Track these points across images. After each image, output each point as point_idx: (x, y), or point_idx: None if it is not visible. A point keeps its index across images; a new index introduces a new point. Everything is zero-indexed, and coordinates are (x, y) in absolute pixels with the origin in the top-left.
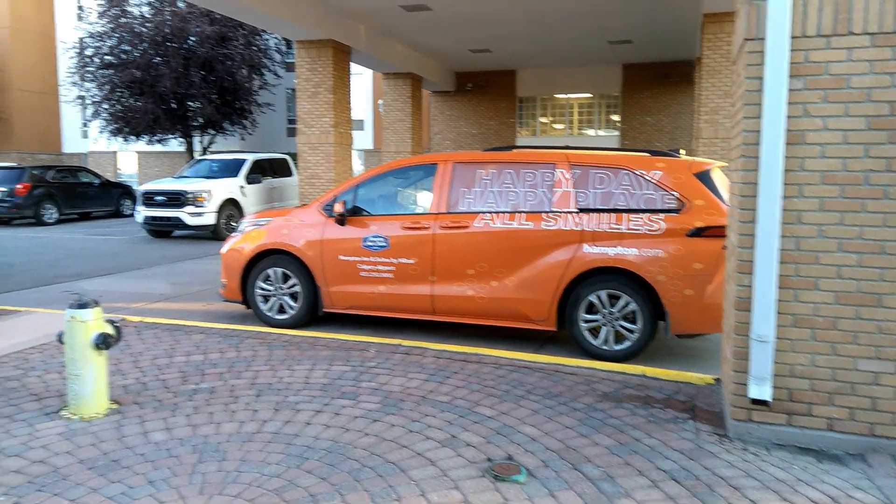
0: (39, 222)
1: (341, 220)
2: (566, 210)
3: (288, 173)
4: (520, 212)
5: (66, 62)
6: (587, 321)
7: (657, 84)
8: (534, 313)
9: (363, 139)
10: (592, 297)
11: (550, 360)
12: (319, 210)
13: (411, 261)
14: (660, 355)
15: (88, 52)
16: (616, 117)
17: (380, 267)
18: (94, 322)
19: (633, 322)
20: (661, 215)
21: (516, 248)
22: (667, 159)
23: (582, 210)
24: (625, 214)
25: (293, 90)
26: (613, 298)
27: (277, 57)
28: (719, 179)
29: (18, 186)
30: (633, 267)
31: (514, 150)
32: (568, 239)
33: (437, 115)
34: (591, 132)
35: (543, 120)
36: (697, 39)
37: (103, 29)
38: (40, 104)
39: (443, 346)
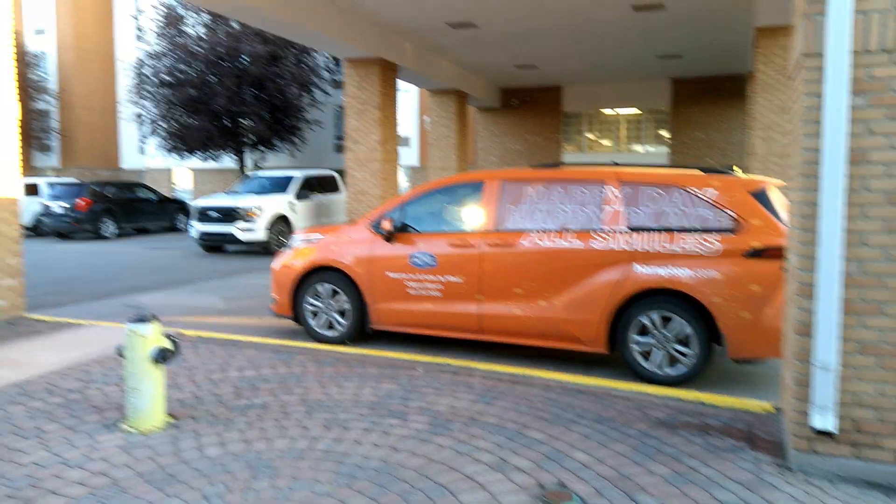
0: (99, 236)
1: (389, 237)
2: (616, 228)
3: (336, 189)
4: (568, 230)
5: (125, 81)
6: (639, 343)
7: (707, 99)
8: (583, 334)
9: (409, 155)
10: (644, 319)
11: (601, 384)
12: (368, 227)
13: (458, 279)
14: (716, 380)
15: (146, 71)
16: (665, 133)
17: (427, 285)
18: (152, 336)
19: (687, 345)
20: (716, 235)
21: (565, 267)
22: (721, 177)
23: (633, 229)
24: (678, 234)
25: (341, 107)
26: (666, 320)
27: (326, 75)
28: (777, 198)
29: (79, 202)
30: (686, 288)
31: (563, 168)
32: (618, 258)
33: (482, 132)
34: (639, 148)
35: (590, 136)
36: (750, 53)
37: (161, 49)
38: (100, 122)
39: (491, 367)
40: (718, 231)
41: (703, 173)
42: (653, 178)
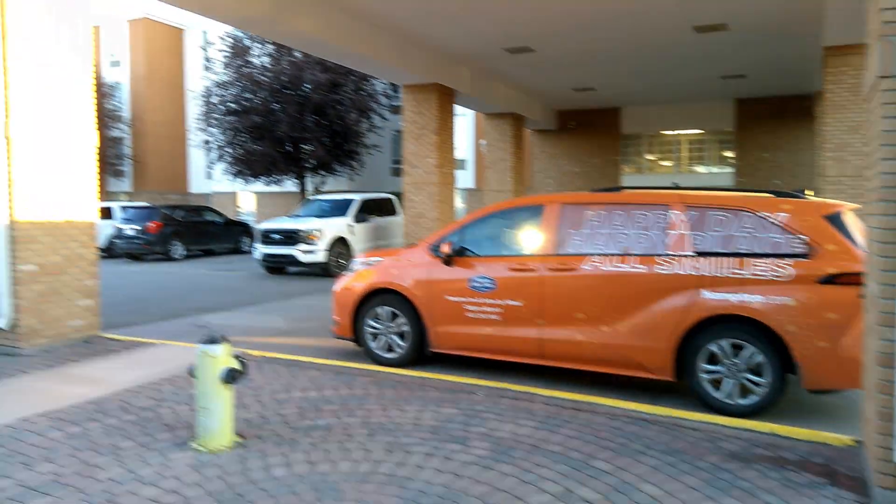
0: (168, 258)
1: (448, 260)
2: (682, 253)
3: (393, 212)
4: (631, 255)
5: (193, 109)
6: (708, 372)
7: (774, 119)
8: (649, 362)
9: (465, 178)
10: (713, 347)
11: (669, 413)
12: (427, 250)
13: (518, 303)
14: (791, 412)
15: (214, 99)
16: (729, 154)
17: (486, 308)
18: (222, 357)
19: (760, 375)
20: (789, 260)
21: (628, 292)
22: (793, 200)
23: (700, 253)
24: (748, 259)
25: (398, 132)
26: (737, 348)
27: (384, 100)
28: (852, 223)
29: (150, 225)
30: (758, 315)
31: (624, 191)
32: (685, 284)
33: (538, 154)
34: (701, 169)
35: (650, 157)
36: (818, 72)
37: (227, 78)
38: (170, 148)
39: (552, 393)
40: (791, 256)
41: (773, 196)
42: (720, 201)
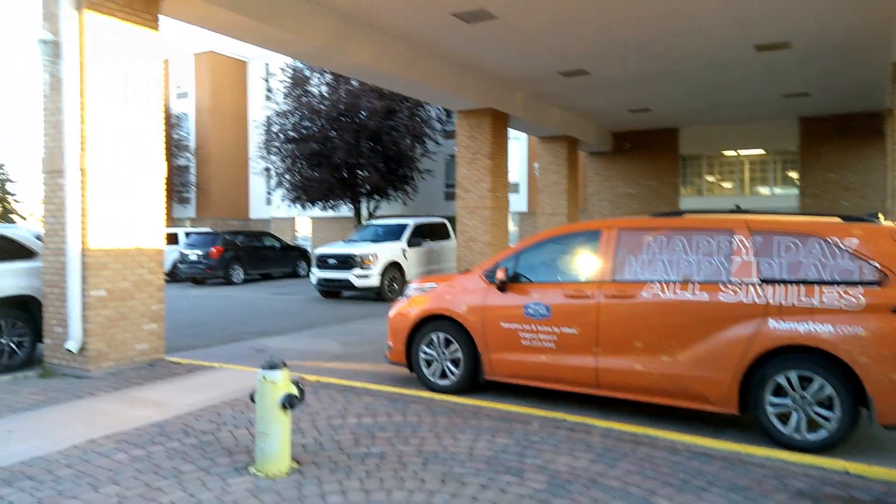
0: (228, 282)
1: (503, 286)
2: (747, 280)
3: (446, 236)
4: (693, 281)
5: (255, 138)
6: (774, 405)
7: (840, 137)
8: (711, 393)
9: (518, 201)
10: (780, 379)
11: (733, 448)
12: (481, 276)
13: (574, 330)
14: (863, 448)
15: (274, 128)
16: (794, 174)
17: (541, 336)
18: (282, 383)
19: (830, 408)
20: (860, 288)
21: (690, 320)
22: (864, 225)
23: (765, 281)
24: (816, 286)
25: (452, 156)
26: (805, 381)
27: (438, 126)
28: None
29: (212, 250)
30: (828, 346)
31: (686, 216)
32: (750, 312)
33: (592, 176)
34: (764, 191)
35: (710, 178)
36: (887, 89)
37: (287, 108)
38: (232, 176)
39: (610, 424)
40: (862, 284)
41: (843, 221)
42: (787, 226)
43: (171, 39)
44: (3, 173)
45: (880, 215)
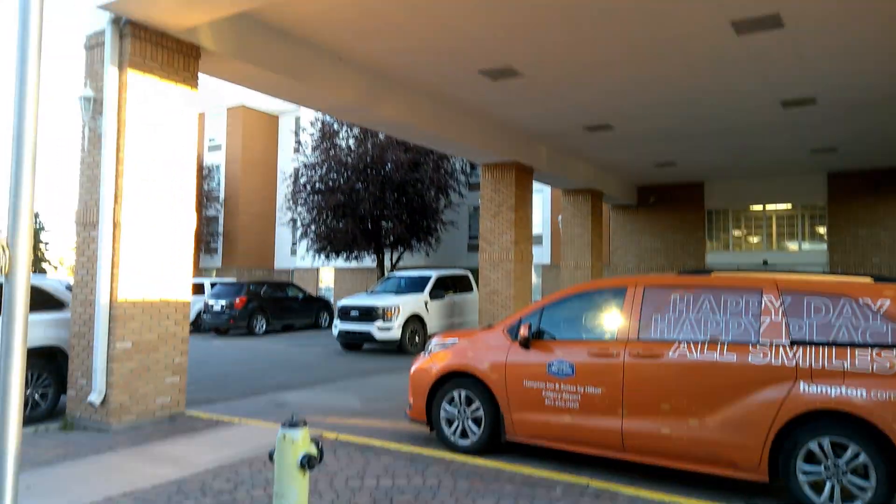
0: (251, 332)
1: (526, 343)
2: (777, 342)
3: (469, 289)
4: (721, 342)
5: (283, 189)
6: (806, 473)
7: (870, 193)
8: (741, 459)
9: (541, 254)
10: (812, 445)
11: None
12: (504, 332)
13: (598, 390)
14: None
15: (302, 180)
16: (822, 229)
17: (565, 395)
18: (301, 442)
19: (865, 477)
20: (893, 351)
21: (718, 382)
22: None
23: (795, 342)
24: (848, 349)
25: (476, 208)
26: (839, 448)
27: (462, 178)
28: None
29: (237, 300)
30: (861, 411)
31: (714, 274)
32: (780, 375)
33: (617, 229)
34: (792, 246)
35: (736, 233)
36: None
37: (315, 160)
38: (259, 226)
39: (636, 491)
40: (894, 347)
41: (874, 281)
42: (817, 286)
43: (206, 93)
44: (38, 222)
45: None
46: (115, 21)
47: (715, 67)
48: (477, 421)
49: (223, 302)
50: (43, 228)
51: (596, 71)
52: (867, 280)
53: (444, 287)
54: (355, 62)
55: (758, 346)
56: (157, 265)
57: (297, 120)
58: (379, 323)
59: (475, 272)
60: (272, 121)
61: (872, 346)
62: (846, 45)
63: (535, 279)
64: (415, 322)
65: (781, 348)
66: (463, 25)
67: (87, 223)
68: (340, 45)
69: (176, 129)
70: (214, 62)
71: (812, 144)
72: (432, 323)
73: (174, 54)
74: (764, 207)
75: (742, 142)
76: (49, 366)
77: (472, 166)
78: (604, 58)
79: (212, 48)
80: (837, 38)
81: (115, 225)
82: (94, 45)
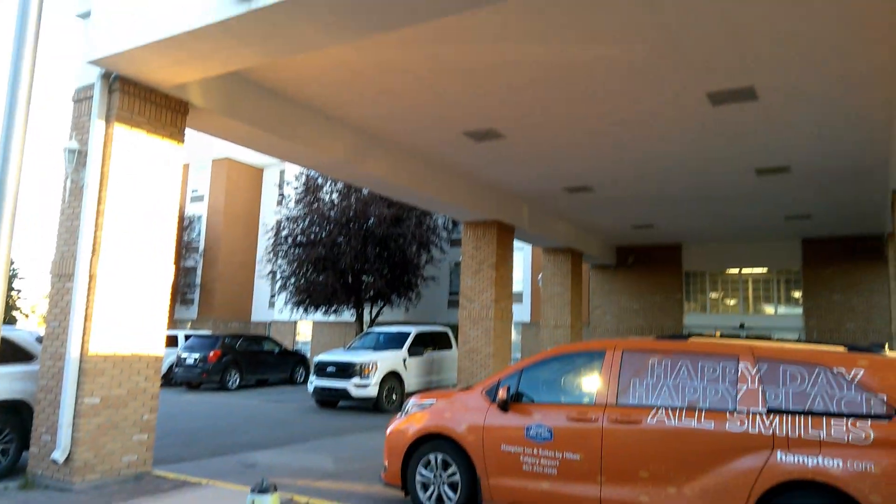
0: (223, 387)
1: (504, 406)
2: (754, 410)
3: (448, 346)
4: (699, 409)
5: (264, 241)
6: None
7: (844, 259)
8: None
9: (521, 311)
10: None
11: None
12: (483, 394)
13: (577, 456)
14: None
15: (284, 232)
16: (797, 294)
17: (543, 461)
18: None
19: None
20: (868, 422)
21: (696, 450)
22: (869, 356)
23: (772, 411)
24: (823, 418)
25: (457, 264)
26: None
27: (444, 234)
28: None
29: (210, 354)
30: (838, 482)
31: (691, 340)
32: (757, 444)
33: (597, 289)
34: (769, 309)
35: (714, 295)
36: (888, 214)
37: (298, 213)
38: (238, 278)
39: None
40: (871, 417)
41: (847, 351)
42: (792, 354)
43: (192, 144)
44: (13, 269)
45: (886, 346)
46: (106, 76)
47: (691, 136)
48: (453, 486)
49: (196, 355)
50: (17, 275)
51: (576, 136)
52: (841, 349)
53: (423, 344)
54: (342, 121)
55: (735, 414)
56: (131, 318)
57: (282, 173)
58: (356, 380)
59: (455, 328)
60: (257, 173)
61: (848, 415)
62: (818, 116)
63: (514, 336)
64: (392, 379)
65: (758, 416)
66: (448, 89)
67: (62, 274)
68: (327, 104)
69: (159, 183)
70: (202, 118)
71: (787, 211)
72: (410, 380)
73: (162, 109)
74: (740, 271)
75: (718, 207)
76: (13, 420)
77: (455, 223)
78: (584, 124)
79: (200, 104)
80: (810, 110)
81: (91, 277)
82: (82, 97)
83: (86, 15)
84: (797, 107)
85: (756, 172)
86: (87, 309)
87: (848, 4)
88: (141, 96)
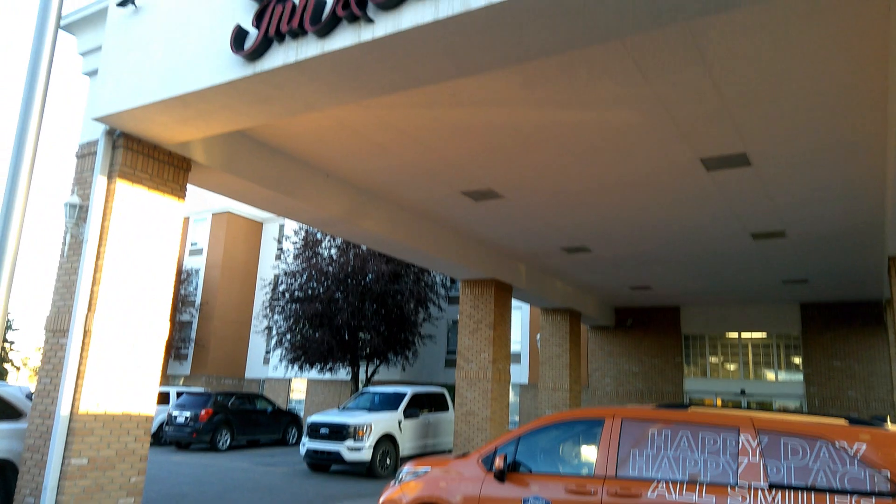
0: (213, 448)
1: (501, 476)
2: (755, 485)
3: (444, 408)
4: (700, 482)
5: (261, 296)
6: None
7: (843, 325)
8: None
9: (519, 372)
10: None
11: None
12: (479, 462)
13: None
14: None
15: (281, 287)
16: (797, 360)
17: None
18: None
19: None
20: (872, 499)
21: None
22: (871, 430)
23: (774, 486)
24: (826, 495)
25: (454, 322)
26: None
27: (442, 291)
28: None
29: (202, 412)
30: None
31: (691, 409)
32: None
33: (595, 351)
34: (769, 374)
35: (713, 360)
36: (885, 280)
37: (297, 268)
38: (234, 334)
39: None
40: (874, 495)
41: (849, 424)
42: (794, 427)
43: (192, 198)
44: (7, 321)
45: (888, 419)
46: (110, 132)
47: (686, 200)
48: None
49: (187, 414)
50: (11, 327)
51: (573, 198)
52: (842, 422)
53: (419, 405)
54: (341, 178)
55: (736, 489)
56: (124, 376)
57: (281, 228)
58: (349, 442)
59: (451, 388)
60: (256, 227)
61: (851, 492)
62: (811, 182)
63: (512, 398)
64: (387, 442)
65: (760, 492)
66: (446, 149)
67: (56, 330)
68: (327, 162)
69: (159, 239)
70: (204, 174)
71: (784, 275)
72: (405, 444)
73: (165, 166)
74: (740, 335)
75: (715, 270)
76: None
77: (453, 280)
78: (580, 187)
79: (202, 161)
80: (802, 176)
81: (87, 333)
82: (85, 153)
83: (93, 73)
84: (790, 173)
85: (752, 237)
86: (80, 366)
87: (836, 75)
88: (144, 153)
